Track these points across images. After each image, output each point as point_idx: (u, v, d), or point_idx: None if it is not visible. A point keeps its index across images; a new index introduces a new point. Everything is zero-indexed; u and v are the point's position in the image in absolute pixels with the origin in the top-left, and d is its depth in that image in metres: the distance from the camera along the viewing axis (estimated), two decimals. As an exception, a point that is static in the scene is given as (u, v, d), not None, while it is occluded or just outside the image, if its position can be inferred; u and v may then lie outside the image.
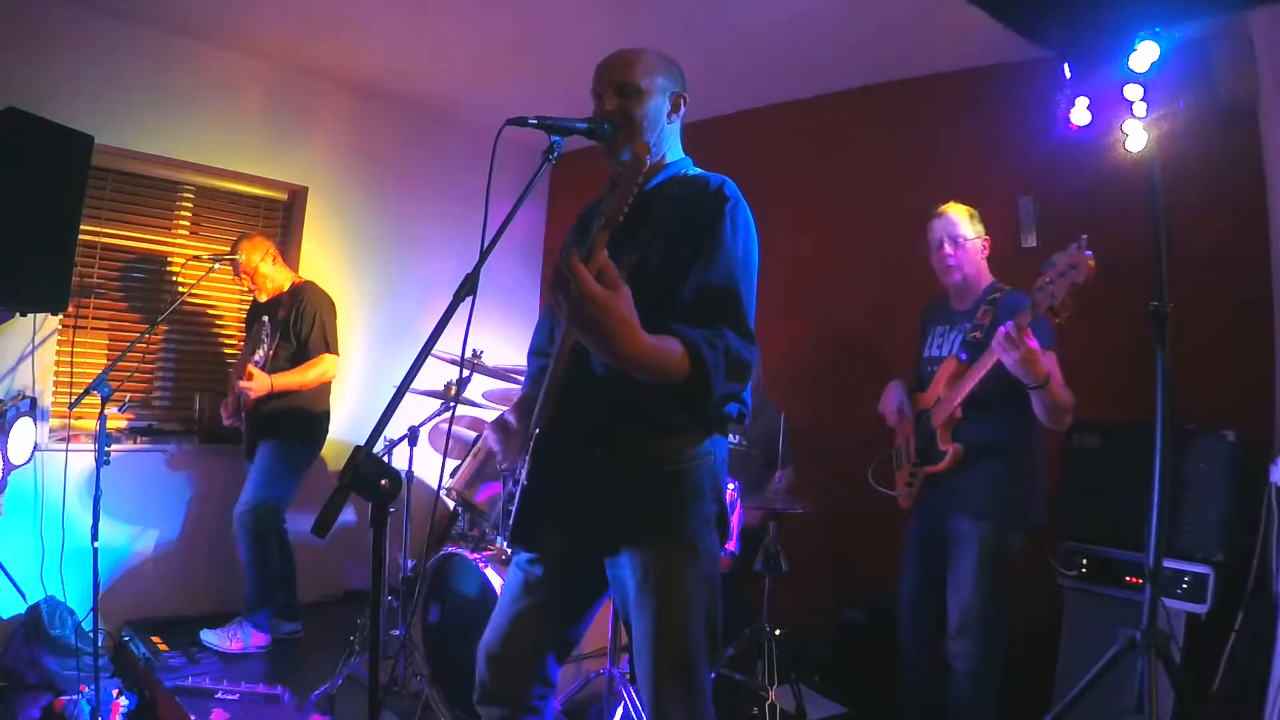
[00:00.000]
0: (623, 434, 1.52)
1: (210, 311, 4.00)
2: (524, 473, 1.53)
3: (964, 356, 2.39)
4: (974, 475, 2.36)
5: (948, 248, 2.49)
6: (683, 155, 1.70)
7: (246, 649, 3.32)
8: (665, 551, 1.50)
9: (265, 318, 3.34)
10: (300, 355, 3.42)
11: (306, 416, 3.48)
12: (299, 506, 3.66)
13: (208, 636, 3.30)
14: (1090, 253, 1.98)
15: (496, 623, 1.64)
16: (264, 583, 3.40)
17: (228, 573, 3.67)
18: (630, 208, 1.33)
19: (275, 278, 3.51)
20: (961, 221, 2.49)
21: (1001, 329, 2.11)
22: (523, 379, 2.02)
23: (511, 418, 1.71)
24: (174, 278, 3.81)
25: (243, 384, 3.22)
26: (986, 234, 2.52)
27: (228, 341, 4.03)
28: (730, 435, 1.74)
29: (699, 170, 1.66)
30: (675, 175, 1.63)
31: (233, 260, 3.43)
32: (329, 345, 3.46)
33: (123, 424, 3.71)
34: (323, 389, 3.55)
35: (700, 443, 1.54)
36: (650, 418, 1.48)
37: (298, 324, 3.41)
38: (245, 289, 3.62)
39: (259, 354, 3.20)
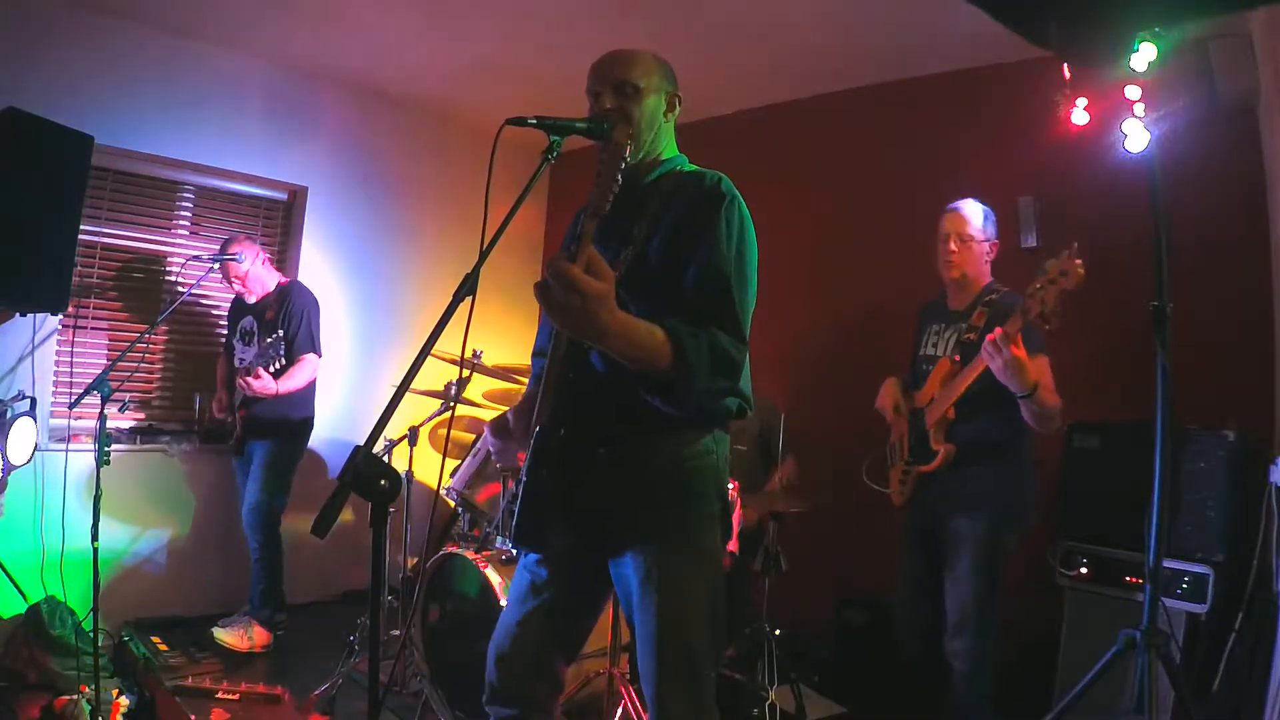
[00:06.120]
0: (625, 432, 1.52)
1: (210, 312, 4.00)
2: (524, 471, 1.53)
3: (958, 357, 2.39)
4: (967, 475, 2.36)
5: (953, 244, 2.48)
6: (677, 153, 1.71)
7: (254, 648, 3.36)
8: (668, 551, 1.50)
9: (251, 319, 3.36)
10: (286, 353, 3.41)
11: (302, 419, 3.56)
12: (299, 506, 3.66)
13: (220, 634, 3.36)
14: (1080, 260, 1.98)
15: (505, 624, 1.65)
16: (272, 582, 3.47)
17: (227, 573, 3.67)
18: (626, 203, 1.33)
19: (265, 280, 3.53)
20: (973, 221, 2.48)
21: (989, 335, 2.12)
22: (525, 380, 2.02)
23: (510, 416, 1.72)
24: (174, 278, 3.82)
25: (251, 381, 3.20)
26: (997, 237, 2.51)
27: (228, 341, 4.03)
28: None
29: (694, 166, 1.67)
30: (670, 171, 1.64)
31: (234, 260, 3.42)
32: (314, 345, 3.47)
33: (124, 426, 3.71)
34: (313, 391, 3.60)
35: (702, 441, 1.54)
36: (651, 415, 1.49)
37: (285, 323, 3.40)
38: (233, 290, 3.62)
39: (273, 367, 3.21)
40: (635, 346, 1.36)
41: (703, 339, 1.40)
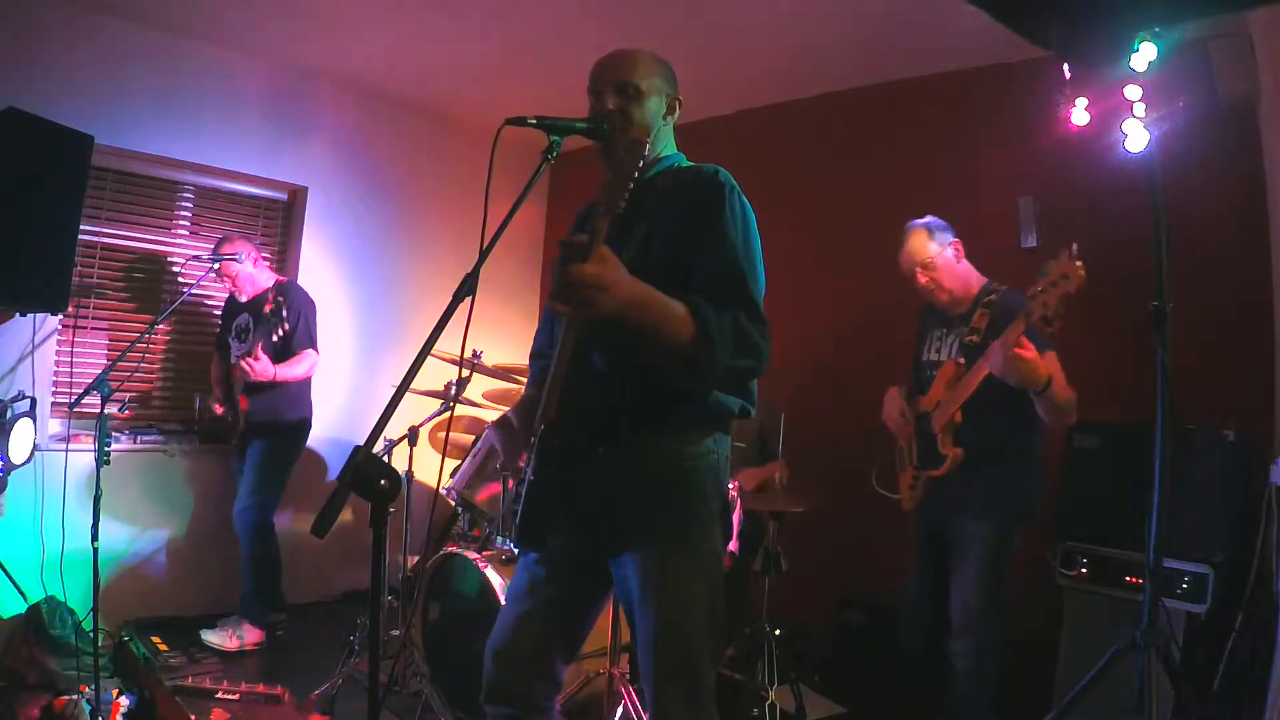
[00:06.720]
0: (625, 432, 1.52)
1: (212, 312, 4.00)
2: (529, 471, 1.53)
3: (962, 360, 2.39)
4: (975, 478, 2.37)
5: (921, 276, 2.49)
6: (675, 151, 1.71)
7: (243, 646, 3.37)
8: (668, 551, 1.50)
9: (246, 316, 3.38)
10: (284, 351, 3.45)
11: (299, 420, 3.58)
12: (299, 506, 3.67)
13: (208, 636, 3.36)
14: (1080, 262, 1.98)
15: (503, 621, 1.65)
16: (262, 581, 3.47)
17: (227, 573, 3.67)
18: (627, 201, 1.33)
19: (257, 279, 3.55)
20: (920, 246, 2.48)
21: (994, 344, 2.12)
22: (525, 380, 2.02)
23: (514, 417, 1.72)
24: (174, 278, 3.82)
25: (248, 363, 3.23)
26: (955, 237, 2.50)
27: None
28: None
29: (691, 163, 1.67)
30: (669, 168, 1.64)
31: (234, 260, 3.43)
32: (313, 343, 3.53)
33: (124, 428, 3.71)
34: (309, 391, 3.63)
35: (703, 441, 1.54)
36: (652, 414, 1.49)
37: (284, 321, 3.40)
38: (225, 288, 3.66)
39: (275, 336, 3.25)
40: (656, 315, 1.34)
41: (726, 316, 1.39)
